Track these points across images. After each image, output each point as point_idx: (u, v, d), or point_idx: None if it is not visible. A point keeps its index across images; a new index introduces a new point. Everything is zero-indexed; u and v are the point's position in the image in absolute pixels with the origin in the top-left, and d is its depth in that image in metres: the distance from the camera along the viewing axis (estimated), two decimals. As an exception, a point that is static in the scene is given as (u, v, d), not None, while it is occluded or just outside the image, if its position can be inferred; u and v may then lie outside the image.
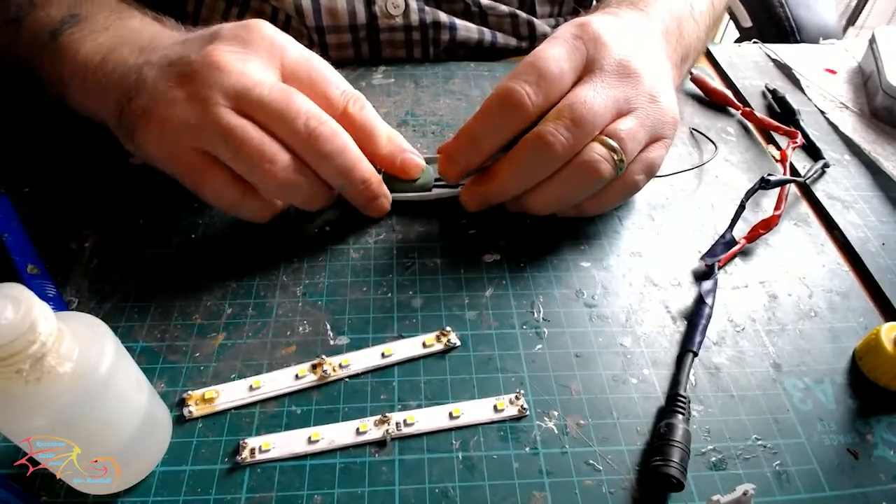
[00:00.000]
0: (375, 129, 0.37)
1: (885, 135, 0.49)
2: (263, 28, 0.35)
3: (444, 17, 0.52)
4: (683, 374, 0.32)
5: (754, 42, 0.60)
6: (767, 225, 0.39)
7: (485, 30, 0.54)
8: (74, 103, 0.39)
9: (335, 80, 0.36)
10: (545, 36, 0.48)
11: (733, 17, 0.51)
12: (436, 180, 0.40)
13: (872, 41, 0.54)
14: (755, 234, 0.39)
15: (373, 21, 0.51)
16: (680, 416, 0.29)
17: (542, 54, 0.35)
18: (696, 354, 0.33)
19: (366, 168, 0.35)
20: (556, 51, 0.35)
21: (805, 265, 0.39)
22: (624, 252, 0.39)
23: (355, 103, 0.36)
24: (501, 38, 0.55)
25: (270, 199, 0.36)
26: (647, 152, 0.37)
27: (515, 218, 0.40)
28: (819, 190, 0.44)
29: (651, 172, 0.38)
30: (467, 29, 0.53)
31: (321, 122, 0.33)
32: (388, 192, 0.38)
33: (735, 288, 0.37)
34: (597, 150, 0.34)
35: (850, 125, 0.50)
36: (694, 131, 0.48)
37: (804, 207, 0.43)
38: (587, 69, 0.36)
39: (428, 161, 0.40)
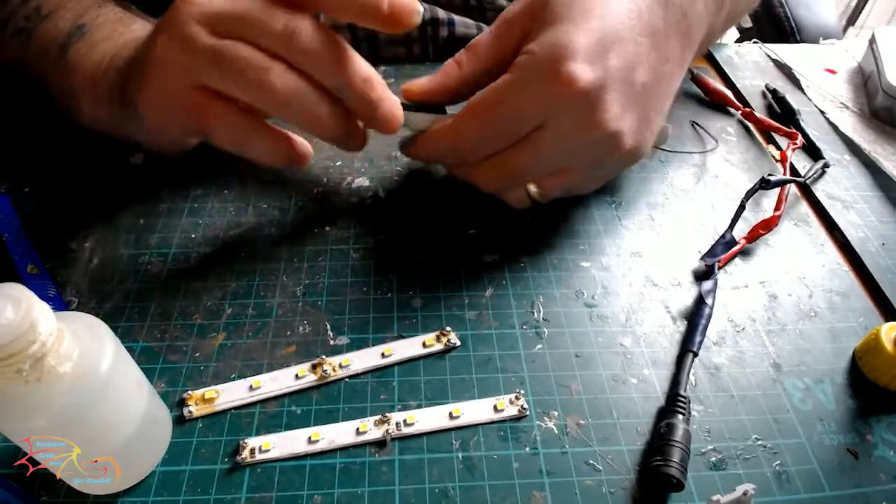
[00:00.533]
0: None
1: (885, 135, 0.49)
2: None
3: (441, 13, 0.52)
4: (683, 374, 0.32)
5: (754, 42, 0.60)
6: (767, 225, 0.39)
7: (483, 25, 0.54)
8: (87, 117, 0.39)
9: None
10: None
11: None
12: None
13: (872, 41, 0.54)
14: (755, 234, 0.39)
15: None
16: (680, 417, 0.29)
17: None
18: (696, 354, 0.33)
19: (364, 65, 0.32)
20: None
21: (805, 265, 0.39)
22: (624, 252, 0.39)
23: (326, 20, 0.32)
24: None
25: (279, 131, 0.33)
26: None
27: (515, 218, 0.40)
28: (819, 190, 0.44)
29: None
30: (466, 25, 0.53)
31: (302, 20, 0.30)
32: (394, 97, 0.34)
33: (735, 288, 0.37)
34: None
35: (850, 125, 0.50)
36: (695, 124, 0.48)
37: (804, 207, 0.43)
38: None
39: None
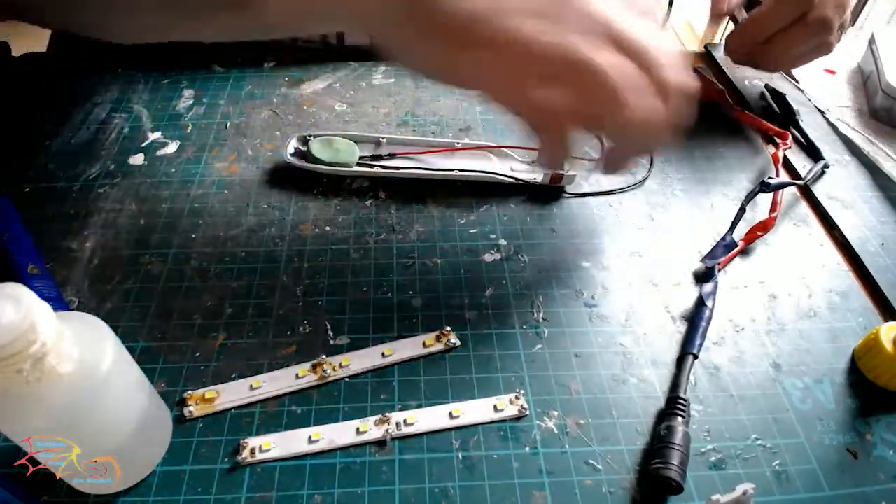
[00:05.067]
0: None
1: (884, 135, 0.49)
2: None
3: None
4: (683, 376, 0.32)
5: None
6: (764, 227, 0.39)
7: None
8: (273, 16, 0.31)
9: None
10: None
11: (733, 18, 0.51)
12: (360, 157, 0.43)
13: (872, 41, 0.54)
14: (753, 236, 0.39)
15: None
16: (680, 419, 0.29)
17: None
18: (696, 357, 0.33)
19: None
20: None
21: (805, 265, 0.39)
22: (624, 252, 0.39)
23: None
24: None
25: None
26: None
27: (515, 218, 0.40)
28: (819, 190, 0.44)
29: None
30: None
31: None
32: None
33: (735, 288, 0.37)
34: None
35: (850, 125, 0.50)
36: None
37: (804, 208, 0.43)
38: None
39: (355, 140, 0.43)
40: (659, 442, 0.29)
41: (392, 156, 0.43)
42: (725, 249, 0.38)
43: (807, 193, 0.44)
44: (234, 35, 0.35)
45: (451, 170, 0.42)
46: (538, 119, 0.29)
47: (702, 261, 0.38)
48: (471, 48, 0.27)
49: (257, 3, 0.29)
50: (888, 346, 0.32)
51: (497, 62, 0.28)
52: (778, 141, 0.46)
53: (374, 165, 0.42)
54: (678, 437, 0.28)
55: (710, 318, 0.35)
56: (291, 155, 0.43)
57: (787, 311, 0.36)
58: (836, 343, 0.35)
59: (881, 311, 0.37)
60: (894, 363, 0.31)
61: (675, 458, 0.28)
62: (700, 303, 0.35)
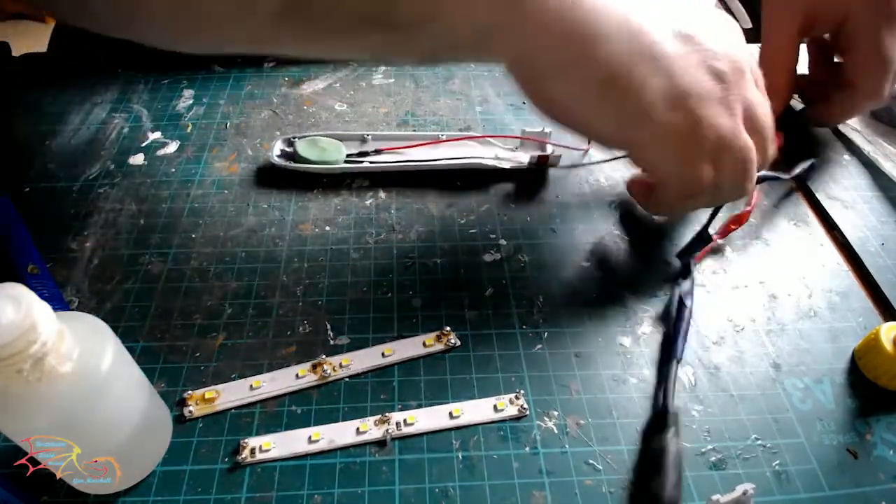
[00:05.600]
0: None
1: (885, 135, 0.49)
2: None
3: None
4: (670, 384, 0.31)
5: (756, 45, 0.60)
6: (739, 221, 0.39)
7: None
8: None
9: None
10: None
11: (733, 18, 0.51)
12: (347, 155, 0.43)
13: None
14: (727, 230, 0.39)
15: None
16: (670, 432, 0.29)
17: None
18: (679, 361, 0.32)
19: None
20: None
21: (805, 265, 0.39)
22: (624, 252, 0.39)
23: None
24: None
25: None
26: None
27: (515, 218, 0.40)
28: (819, 190, 0.44)
29: None
30: None
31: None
32: None
33: (735, 288, 0.37)
34: None
35: (850, 125, 0.50)
36: None
37: (804, 208, 0.43)
38: None
39: (340, 139, 0.43)
40: (650, 457, 0.28)
41: (378, 152, 0.43)
42: (701, 244, 0.38)
43: (807, 193, 0.44)
44: (364, 56, 0.33)
45: (437, 160, 0.43)
46: (688, 189, 0.32)
47: (677, 255, 0.38)
48: (653, 125, 0.30)
49: (414, 27, 0.27)
50: (888, 346, 0.32)
51: (679, 140, 0.30)
52: None
53: (362, 162, 0.43)
54: (669, 454, 0.28)
55: (689, 319, 0.34)
56: (278, 156, 0.43)
57: (787, 311, 0.36)
58: (836, 343, 0.35)
59: (881, 311, 0.37)
60: (894, 363, 0.31)
61: (667, 476, 0.27)
62: (679, 303, 0.34)
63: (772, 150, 0.34)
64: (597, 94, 0.29)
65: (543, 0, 0.27)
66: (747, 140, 0.31)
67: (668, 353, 0.33)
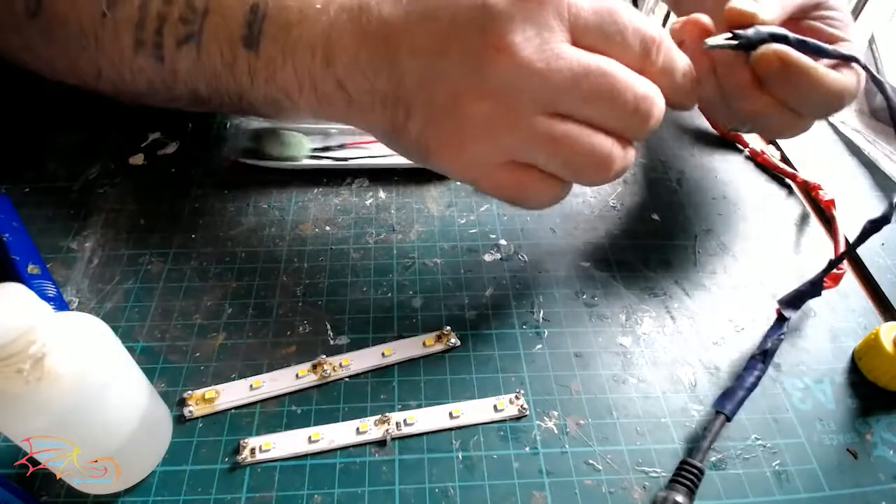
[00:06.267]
0: (674, 73, 0.30)
1: (884, 135, 0.49)
2: None
3: None
4: (707, 441, 0.28)
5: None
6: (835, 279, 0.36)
7: None
8: (306, 115, 0.33)
9: (631, 28, 0.28)
10: None
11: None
12: (313, 149, 0.42)
13: (872, 41, 0.54)
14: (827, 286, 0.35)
15: None
16: (687, 492, 0.27)
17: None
18: (728, 420, 0.30)
19: (661, 105, 0.29)
20: None
21: (805, 265, 0.39)
22: (624, 252, 0.39)
23: (657, 53, 0.28)
24: None
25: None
26: None
27: (515, 218, 0.40)
28: (819, 190, 0.44)
29: None
30: None
31: (646, 99, 0.27)
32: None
33: (735, 288, 0.37)
34: None
35: (850, 125, 0.50)
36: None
37: (804, 207, 0.43)
38: None
39: (304, 132, 0.43)
40: None
41: (343, 146, 0.43)
42: (810, 296, 0.34)
43: (807, 194, 0.44)
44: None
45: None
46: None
47: (778, 301, 0.34)
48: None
49: (291, 111, 0.33)
50: (888, 346, 0.32)
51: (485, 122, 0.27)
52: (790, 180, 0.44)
53: (324, 157, 0.42)
54: None
55: (757, 382, 0.31)
56: (244, 151, 0.42)
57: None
58: (836, 343, 0.35)
59: (881, 311, 0.37)
60: (894, 363, 0.32)
61: None
62: (757, 358, 0.32)
63: (680, 67, 0.28)
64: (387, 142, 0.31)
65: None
66: (589, 61, 0.26)
67: (719, 407, 0.30)
